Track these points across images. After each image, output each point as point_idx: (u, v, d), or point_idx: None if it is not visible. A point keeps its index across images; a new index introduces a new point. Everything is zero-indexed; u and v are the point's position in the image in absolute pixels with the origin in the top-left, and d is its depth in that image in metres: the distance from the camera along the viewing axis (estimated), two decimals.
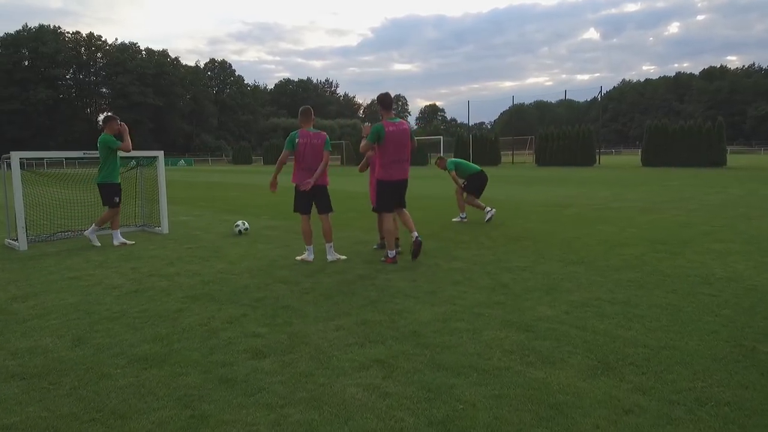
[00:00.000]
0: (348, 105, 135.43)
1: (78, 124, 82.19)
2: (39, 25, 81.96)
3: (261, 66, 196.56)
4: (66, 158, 58.40)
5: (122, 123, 7.68)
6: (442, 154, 47.69)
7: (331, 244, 6.36)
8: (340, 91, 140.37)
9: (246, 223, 8.46)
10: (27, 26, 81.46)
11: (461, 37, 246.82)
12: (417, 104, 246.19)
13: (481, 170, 9.77)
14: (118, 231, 7.80)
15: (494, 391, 2.84)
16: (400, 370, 3.11)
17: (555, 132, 38.77)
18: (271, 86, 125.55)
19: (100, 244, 7.54)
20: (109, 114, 8.12)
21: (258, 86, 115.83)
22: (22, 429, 2.51)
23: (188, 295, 4.86)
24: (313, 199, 6.30)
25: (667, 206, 11.06)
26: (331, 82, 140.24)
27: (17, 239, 7.37)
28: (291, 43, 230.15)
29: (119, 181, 7.78)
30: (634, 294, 4.65)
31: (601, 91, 45.74)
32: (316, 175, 6.11)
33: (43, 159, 52.24)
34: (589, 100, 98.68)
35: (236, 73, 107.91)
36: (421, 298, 4.62)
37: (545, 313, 4.14)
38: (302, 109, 6.35)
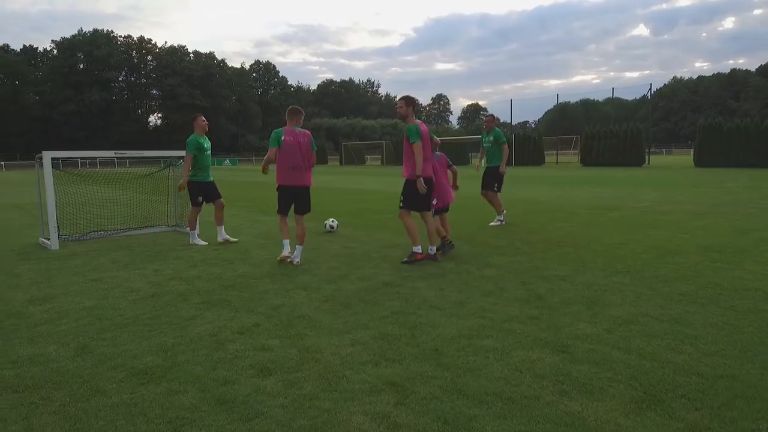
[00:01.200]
0: (389, 105, 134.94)
1: (129, 125, 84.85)
2: (93, 29, 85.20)
3: (305, 67, 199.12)
4: (100, 158, 60.86)
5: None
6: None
7: (302, 247, 6.28)
8: (382, 91, 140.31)
9: (335, 222, 8.61)
10: (82, 30, 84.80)
11: (505, 35, 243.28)
12: (459, 104, 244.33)
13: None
14: (195, 232, 7.73)
15: (520, 426, 2.48)
16: (415, 396, 2.79)
17: (602, 130, 37.41)
18: (314, 87, 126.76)
19: (206, 243, 7.61)
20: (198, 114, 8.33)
21: (301, 87, 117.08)
22: None
23: (204, 301, 4.67)
24: (294, 199, 6.27)
25: (723, 210, 10.28)
26: (373, 83, 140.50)
27: (50, 238, 7.40)
28: (334, 44, 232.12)
29: (209, 179, 7.83)
30: (686, 310, 4.17)
31: (651, 88, 43.97)
32: None
33: (76, 159, 54.36)
34: (638, 98, 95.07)
35: (280, 75, 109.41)
36: (447, 310, 4.27)
37: (584, 331, 3.73)
38: (291, 108, 6.32)
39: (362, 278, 5.42)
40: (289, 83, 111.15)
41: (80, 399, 2.81)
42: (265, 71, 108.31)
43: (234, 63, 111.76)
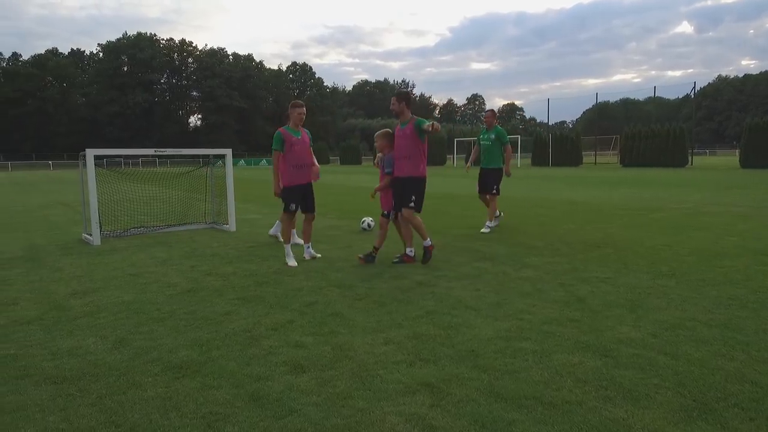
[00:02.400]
0: (424, 105, 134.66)
1: (171, 126, 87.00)
2: (137, 33, 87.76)
3: (340, 68, 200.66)
4: (141, 157, 62.41)
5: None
6: (520, 153, 46.27)
7: (310, 243, 6.36)
8: (416, 92, 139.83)
9: (372, 221, 8.46)
10: (126, 34, 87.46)
11: (543, 33, 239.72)
12: (495, 103, 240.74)
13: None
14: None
15: None
16: (451, 398, 2.71)
17: (643, 130, 36.36)
18: (349, 88, 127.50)
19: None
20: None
21: (336, 88, 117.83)
22: None
23: (240, 297, 4.68)
24: (304, 197, 6.20)
25: None
26: (408, 83, 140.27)
27: (92, 234, 7.60)
28: (370, 45, 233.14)
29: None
30: (736, 315, 3.96)
31: (694, 87, 42.57)
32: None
33: (119, 157, 55.92)
34: (680, 97, 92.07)
35: (316, 76, 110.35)
36: (483, 311, 4.17)
37: (628, 335, 3.57)
38: (294, 102, 6.31)
39: (396, 277, 5.35)
40: (324, 84, 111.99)
41: (116, 392, 2.83)
42: (301, 72, 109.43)
43: (271, 65, 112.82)
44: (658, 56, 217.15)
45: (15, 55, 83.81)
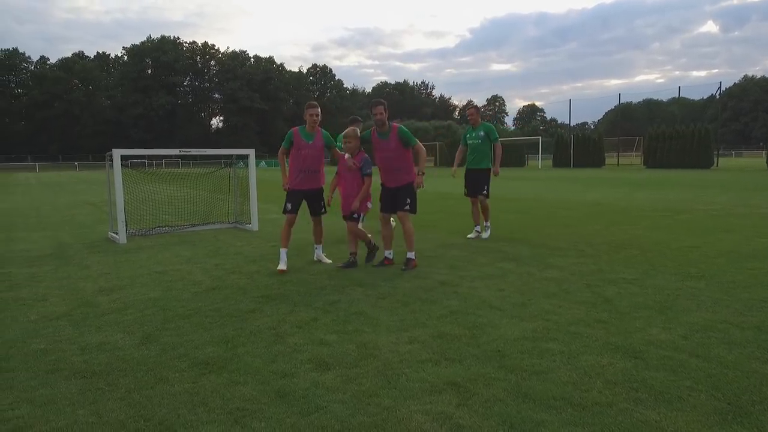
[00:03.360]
0: (443, 106, 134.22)
1: (193, 128, 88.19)
2: (161, 36, 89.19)
3: (360, 70, 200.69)
4: (165, 157, 63.29)
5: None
6: (541, 154, 45.84)
7: (321, 246, 6.19)
8: (436, 93, 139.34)
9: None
10: (150, 37, 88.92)
11: (564, 34, 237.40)
12: (515, 104, 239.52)
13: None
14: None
15: None
16: (477, 398, 2.67)
17: (667, 131, 35.75)
18: (369, 89, 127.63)
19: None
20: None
21: (356, 90, 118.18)
22: None
23: (264, 295, 4.71)
24: (307, 201, 5.93)
25: None
26: (427, 84, 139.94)
27: (118, 233, 7.72)
28: (390, 47, 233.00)
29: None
30: None
31: (720, 87, 41.74)
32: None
33: (143, 158, 56.74)
34: (705, 98, 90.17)
35: (336, 78, 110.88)
36: (508, 311, 4.12)
37: (658, 337, 3.50)
38: (309, 103, 5.94)
39: (418, 276, 5.33)
40: (344, 86, 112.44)
41: (144, 386, 2.86)
42: (321, 74, 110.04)
43: (292, 67, 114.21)
44: (682, 56, 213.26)
45: (43, 59, 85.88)
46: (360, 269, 5.71)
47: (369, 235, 6.07)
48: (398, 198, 5.78)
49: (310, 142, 5.75)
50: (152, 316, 4.12)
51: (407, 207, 5.79)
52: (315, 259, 6.15)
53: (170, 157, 61.93)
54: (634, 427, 2.38)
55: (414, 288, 4.88)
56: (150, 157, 59.11)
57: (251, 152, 8.85)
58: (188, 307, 4.35)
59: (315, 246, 6.18)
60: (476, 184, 7.63)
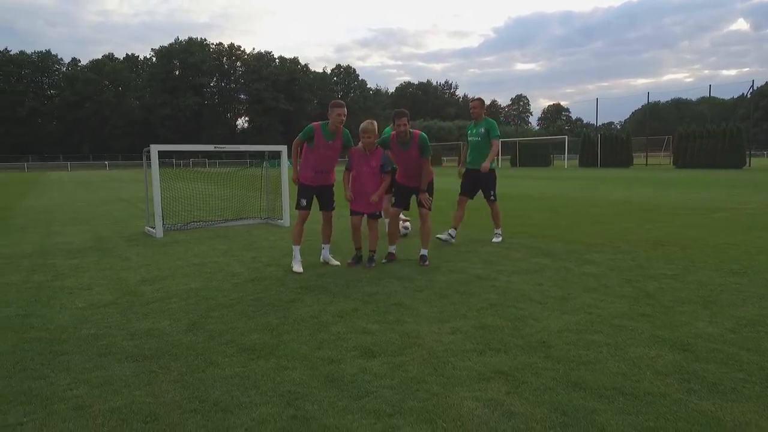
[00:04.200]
0: (467, 107, 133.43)
1: (219, 128, 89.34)
2: (188, 37, 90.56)
3: (383, 70, 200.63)
4: (200, 152, 64.27)
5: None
6: (567, 154, 45.30)
7: (329, 245, 5.86)
8: (459, 93, 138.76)
9: (409, 226, 7.47)
10: (178, 39, 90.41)
11: (590, 33, 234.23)
12: (539, 104, 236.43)
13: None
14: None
15: (649, 422, 2.30)
16: (527, 386, 2.67)
17: (697, 131, 34.96)
18: (392, 90, 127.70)
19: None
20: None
21: (380, 90, 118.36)
22: (125, 413, 2.44)
23: (302, 286, 4.76)
24: (318, 196, 5.72)
25: None
26: (450, 84, 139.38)
27: (155, 227, 7.88)
28: (413, 47, 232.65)
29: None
30: None
31: (752, 86, 40.64)
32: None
33: (170, 156, 57.66)
34: (735, 97, 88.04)
35: (360, 78, 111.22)
36: (549, 305, 4.09)
37: (705, 331, 3.44)
38: (334, 102, 5.66)
39: (453, 271, 5.32)
40: (368, 86, 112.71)
41: (196, 370, 2.92)
42: (345, 75, 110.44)
43: (316, 68, 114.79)
44: (712, 55, 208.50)
45: (74, 61, 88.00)
46: (395, 263, 5.73)
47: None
48: (419, 197, 5.81)
49: (330, 142, 5.47)
50: (196, 305, 4.20)
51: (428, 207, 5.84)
52: (321, 260, 5.79)
53: (198, 156, 62.90)
54: (690, 417, 2.34)
55: (450, 281, 4.88)
56: (181, 155, 60.10)
57: (283, 149, 8.94)
58: (230, 297, 4.43)
59: (322, 246, 5.84)
60: (474, 185, 7.09)
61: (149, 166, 8.06)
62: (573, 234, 7.54)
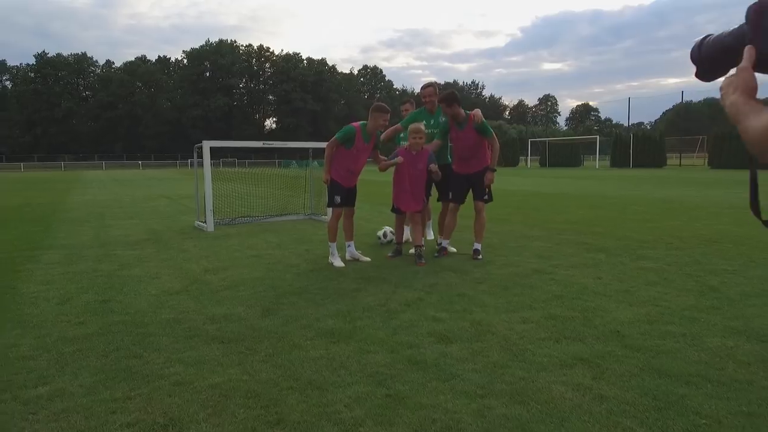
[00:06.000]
0: (494, 106, 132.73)
1: (248, 129, 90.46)
2: (219, 39, 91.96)
3: (408, 71, 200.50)
4: (248, 147, 65.03)
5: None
6: (597, 157, 44.65)
7: (353, 242, 5.82)
8: (486, 93, 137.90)
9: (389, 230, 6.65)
10: (209, 41, 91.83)
11: (619, 32, 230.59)
12: (567, 104, 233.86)
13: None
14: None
15: (742, 407, 2.31)
16: (611, 373, 2.70)
17: (735, 131, 33.83)
18: (417, 90, 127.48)
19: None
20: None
21: (406, 90, 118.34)
22: (225, 389, 2.56)
23: (362, 277, 4.85)
24: (347, 191, 5.62)
25: None
26: (477, 84, 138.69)
27: (205, 221, 8.08)
28: (438, 48, 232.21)
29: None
30: None
31: None
32: None
33: (199, 155, 58.54)
34: None
35: (386, 78, 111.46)
36: (613, 297, 4.10)
37: None
38: (378, 105, 5.53)
39: (508, 264, 5.35)
40: (394, 87, 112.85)
41: (282, 351, 3.03)
42: (372, 75, 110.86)
43: (342, 69, 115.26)
44: None
45: (108, 63, 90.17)
46: (448, 256, 5.79)
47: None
48: (476, 187, 5.77)
49: (366, 144, 5.47)
50: (265, 293, 4.32)
51: (486, 196, 5.77)
52: (348, 257, 5.68)
53: (227, 156, 63.79)
54: None
55: (509, 274, 4.91)
56: (234, 147, 60.93)
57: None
58: (295, 286, 4.54)
59: (347, 244, 5.75)
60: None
61: (200, 162, 8.27)
62: (620, 231, 7.48)
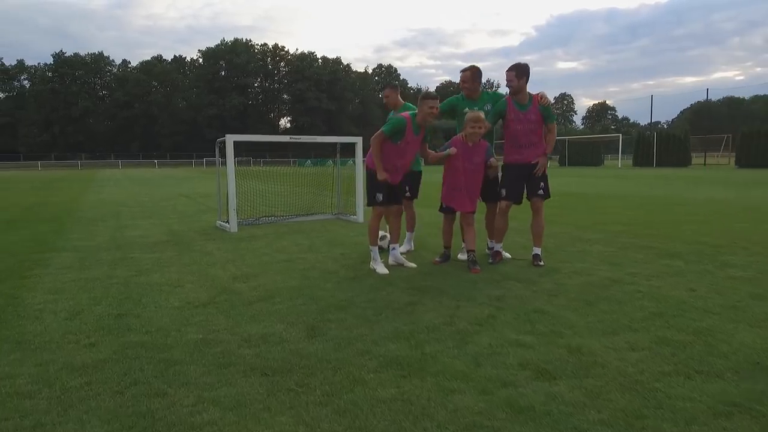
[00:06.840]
0: None
1: (263, 128, 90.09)
2: (234, 39, 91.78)
3: (421, 70, 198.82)
4: (275, 141, 64.57)
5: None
6: (620, 155, 43.54)
7: (397, 245, 5.20)
8: (501, 92, 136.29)
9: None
10: (224, 40, 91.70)
11: (635, 30, 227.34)
12: (582, 103, 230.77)
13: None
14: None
15: None
16: None
17: (763, 129, 32.94)
18: (432, 89, 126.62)
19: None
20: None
21: (420, 89, 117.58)
22: None
23: (413, 287, 4.20)
24: (390, 188, 4.98)
25: None
26: (493, 83, 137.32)
27: (227, 221, 7.50)
28: (452, 47, 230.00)
29: (419, 168, 5.77)
30: None
31: None
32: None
33: (215, 154, 58.29)
34: None
35: (401, 77, 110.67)
36: (723, 315, 3.41)
37: None
38: (427, 93, 4.94)
39: (578, 273, 4.67)
40: (408, 85, 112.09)
41: (342, 389, 2.39)
42: (386, 74, 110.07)
43: (356, 68, 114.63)
44: (765, 52, 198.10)
45: (125, 62, 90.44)
46: (505, 262, 5.13)
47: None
48: (531, 181, 5.05)
49: (416, 136, 4.86)
50: (305, 306, 3.69)
51: (541, 191, 5.05)
52: (392, 262, 5.06)
53: (242, 155, 63.51)
54: None
55: (584, 284, 4.24)
56: (260, 141, 60.58)
57: (359, 140, 8.45)
58: (339, 298, 3.91)
59: (391, 247, 5.18)
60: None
61: (222, 159, 7.69)
62: (684, 234, 6.75)
